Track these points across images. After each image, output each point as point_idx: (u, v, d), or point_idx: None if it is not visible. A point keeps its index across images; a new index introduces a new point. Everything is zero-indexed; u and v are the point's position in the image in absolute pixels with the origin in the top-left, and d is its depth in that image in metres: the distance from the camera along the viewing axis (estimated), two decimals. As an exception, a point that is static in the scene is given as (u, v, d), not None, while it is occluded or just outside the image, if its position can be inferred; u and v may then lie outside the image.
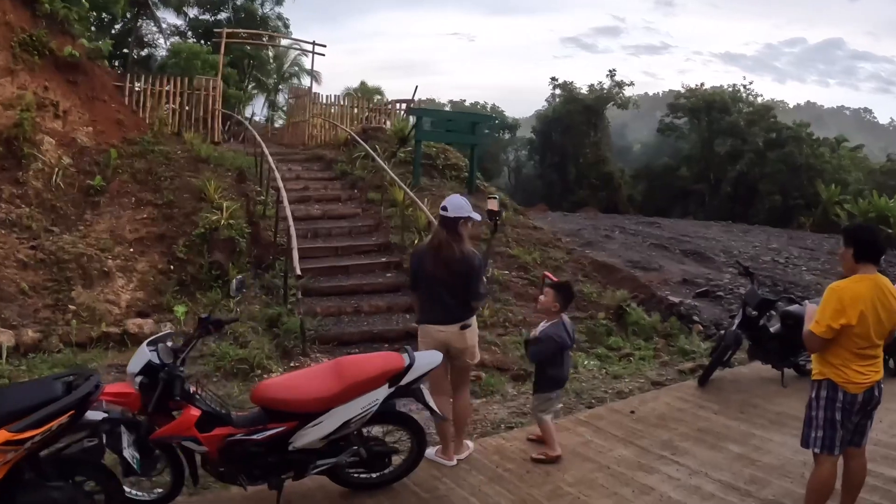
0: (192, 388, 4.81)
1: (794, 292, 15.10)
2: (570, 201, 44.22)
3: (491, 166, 55.85)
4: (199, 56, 25.70)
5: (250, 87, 33.11)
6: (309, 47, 20.13)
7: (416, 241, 12.01)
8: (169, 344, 4.86)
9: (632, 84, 47.75)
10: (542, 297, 6.05)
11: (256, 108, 37.08)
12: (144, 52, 33.10)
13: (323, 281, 11.28)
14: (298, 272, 8.97)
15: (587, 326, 11.22)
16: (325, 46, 19.77)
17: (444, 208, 5.63)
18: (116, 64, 29.03)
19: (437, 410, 5.22)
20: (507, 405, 7.89)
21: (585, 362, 9.76)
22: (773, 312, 8.56)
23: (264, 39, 27.54)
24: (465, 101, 57.02)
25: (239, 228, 11.94)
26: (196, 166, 13.98)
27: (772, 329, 8.41)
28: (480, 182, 17.14)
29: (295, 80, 36.71)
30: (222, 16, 32.21)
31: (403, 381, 4.92)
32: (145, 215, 12.60)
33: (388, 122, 19.41)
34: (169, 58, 27.08)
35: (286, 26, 33.85)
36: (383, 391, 4.84)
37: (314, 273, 11.39)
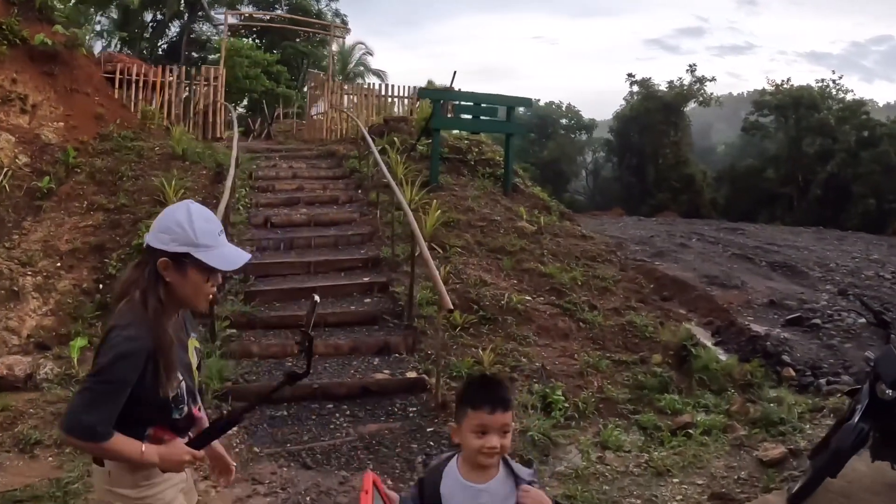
0: None
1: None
2: (649, 205, 40.37)
3: (567, 168, 52.11)
4: (240, 52, 23.22)
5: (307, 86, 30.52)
6: (337, 33, 17.19)
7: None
8: None
9: (713, 79, 42.90)
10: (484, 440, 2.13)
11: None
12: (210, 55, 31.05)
13: (277, 308, 8.17)
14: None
15: (633, 377, 7.74)
16: (347, 30, 16.76)
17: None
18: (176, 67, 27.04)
19: None
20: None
21: (623, 438, 6.33)
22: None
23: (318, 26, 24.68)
24: (539, 100, 53.11)
25: (189, 238, 9.00)
26: (168, 164, 11.20)
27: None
28: (521, 181, 13.71)
29: (360, 80, 33.96)
30: (277, 13, 29.79)
31: None
32: (91, 222, 9.87)
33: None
34: (211, 54, 24.77)
35: (344, 23, 31.17)
36: None
37: (267, 298, 8.31)
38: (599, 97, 72.42)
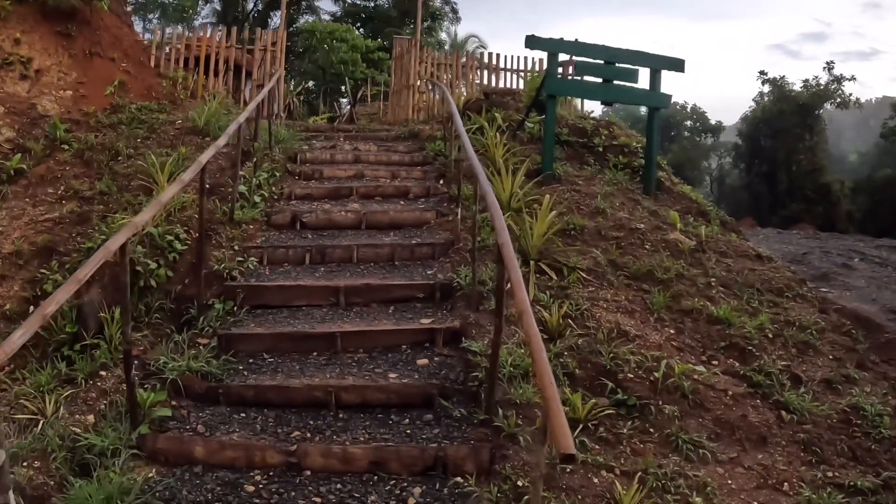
0: None
1: None
2: (780, 216, 35.13)
3: (691, 174, 46.56)
4: (334, 34, 20.13)
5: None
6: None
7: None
8: None
9: (852, 79, 37.10)
10: None
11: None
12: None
13: (264, 367, 4.62)
14: None
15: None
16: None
17: None
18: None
19: None
20: None
21: None
22: None
23: None
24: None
25: (164, 241, 5.71)
26: (183, 141, 8.03)
27: None
28: (666, 177, 9.63)
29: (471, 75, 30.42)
30: (381, 0, 26.80)
31: None
32: (55, 214, 6.79)
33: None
34: (305, 39, 21.82)
35: (454, 11, 27.73)
36: None
37: (255, 347, 4.80)
38: (721, 104, 66.15)
